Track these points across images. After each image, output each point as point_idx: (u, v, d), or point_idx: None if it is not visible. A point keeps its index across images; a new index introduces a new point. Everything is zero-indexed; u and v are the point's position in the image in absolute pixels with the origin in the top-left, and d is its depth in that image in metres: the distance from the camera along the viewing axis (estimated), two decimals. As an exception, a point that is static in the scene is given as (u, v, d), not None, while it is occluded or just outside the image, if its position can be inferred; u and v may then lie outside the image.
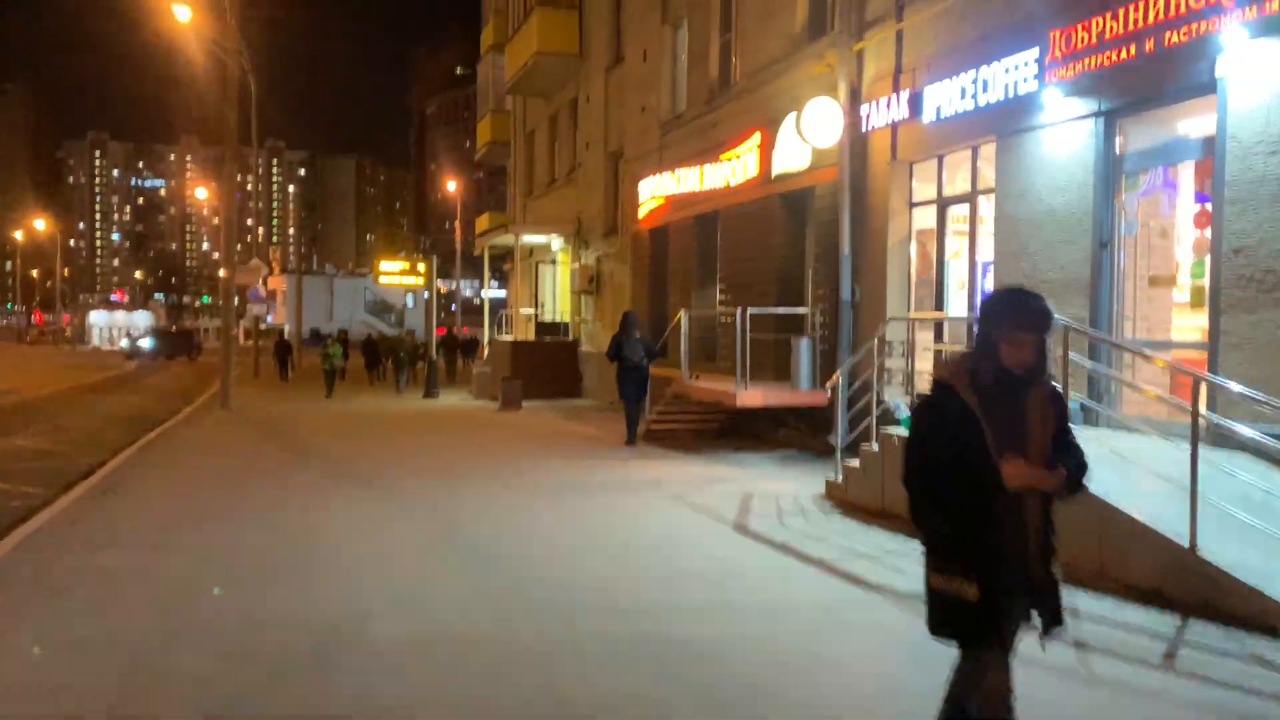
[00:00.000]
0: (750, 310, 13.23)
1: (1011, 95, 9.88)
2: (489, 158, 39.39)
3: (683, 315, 15.10)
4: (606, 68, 23.46)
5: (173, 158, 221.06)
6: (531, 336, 26.70)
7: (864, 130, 12.55)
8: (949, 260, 11.71)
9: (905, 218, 12.26)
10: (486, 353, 30.56)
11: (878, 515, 8.82)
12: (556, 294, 28.62)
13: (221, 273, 23.97)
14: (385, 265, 34.28)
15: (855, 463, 9.49)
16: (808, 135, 12.71)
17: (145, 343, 56.92)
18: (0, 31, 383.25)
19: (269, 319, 63.65)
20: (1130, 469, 7.07)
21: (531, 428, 18.05)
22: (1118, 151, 8.94)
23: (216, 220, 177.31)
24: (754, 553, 7.72)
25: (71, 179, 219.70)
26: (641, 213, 20.21)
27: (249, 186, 71.95)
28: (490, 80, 37.67)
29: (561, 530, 8.62)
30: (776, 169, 14.41)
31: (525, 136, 31.95)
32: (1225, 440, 7.06)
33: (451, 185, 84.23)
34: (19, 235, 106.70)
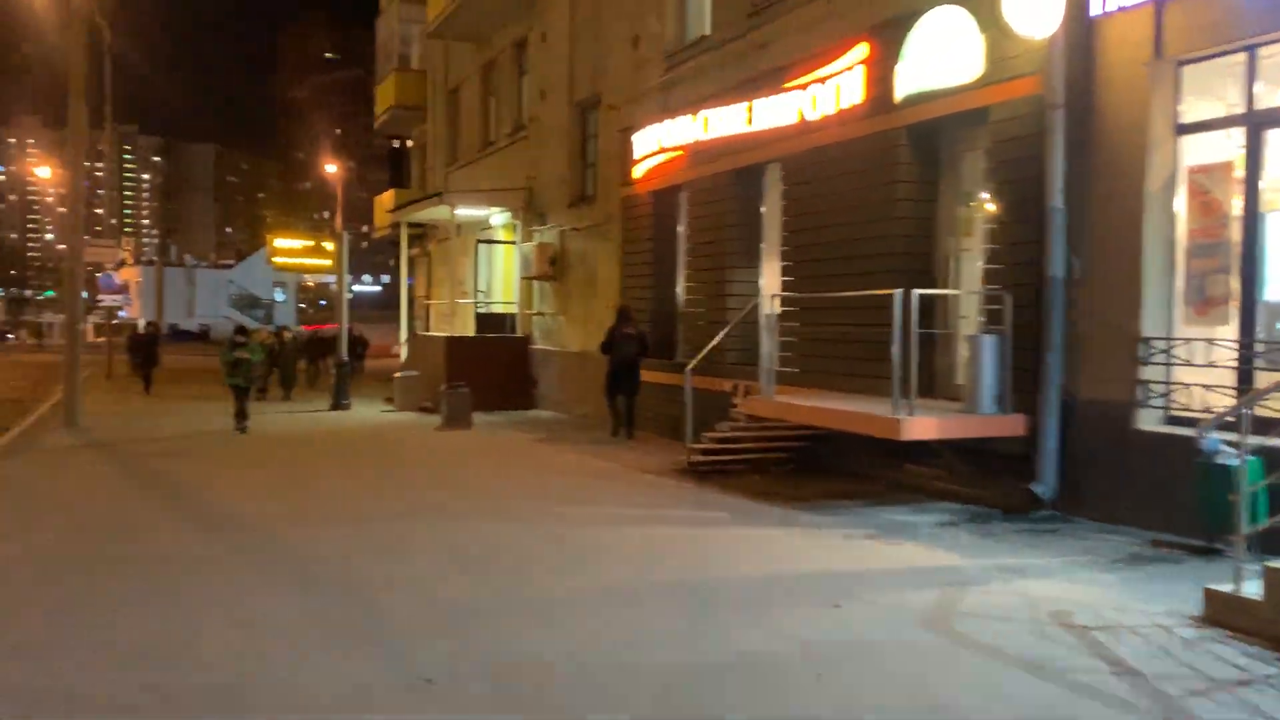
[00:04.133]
0: (839, 295, 8.70)
1: None
2: (390, 126, 33.84)
3: (765, 301, 10.53)
4: (573, -7, 18.66)
5: (13, 141, 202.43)
6: (468, 331, 21.58)
7: (1090, 17, 8.24)
8: (1265, 214, 7.48)
9: (1169, 150, 7.98)
10: (404, 352, 25.30)
11: None
12: (494, 280, 23.57)
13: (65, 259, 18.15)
14: (281, 243, 27.04)
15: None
16: (1017, 24, 8.27)
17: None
18: None
19: (123, 313, 55.96)
20: None
21: (514, 455, 13.20)
22: None
23: (62, 209, 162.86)
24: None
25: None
26: (638, 171, 15.53)
27: (98, 173, 63.77)
28: (393, 36, 32.41)
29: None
30: (906, 90, 9.98)
31: (447, 94, 26.73)
32: None
33: (331, 168, 77.63)
34: None
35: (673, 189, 15.14)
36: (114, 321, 36.67)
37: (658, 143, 14.75)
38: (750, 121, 12.51)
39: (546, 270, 19.25)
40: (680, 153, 14.31)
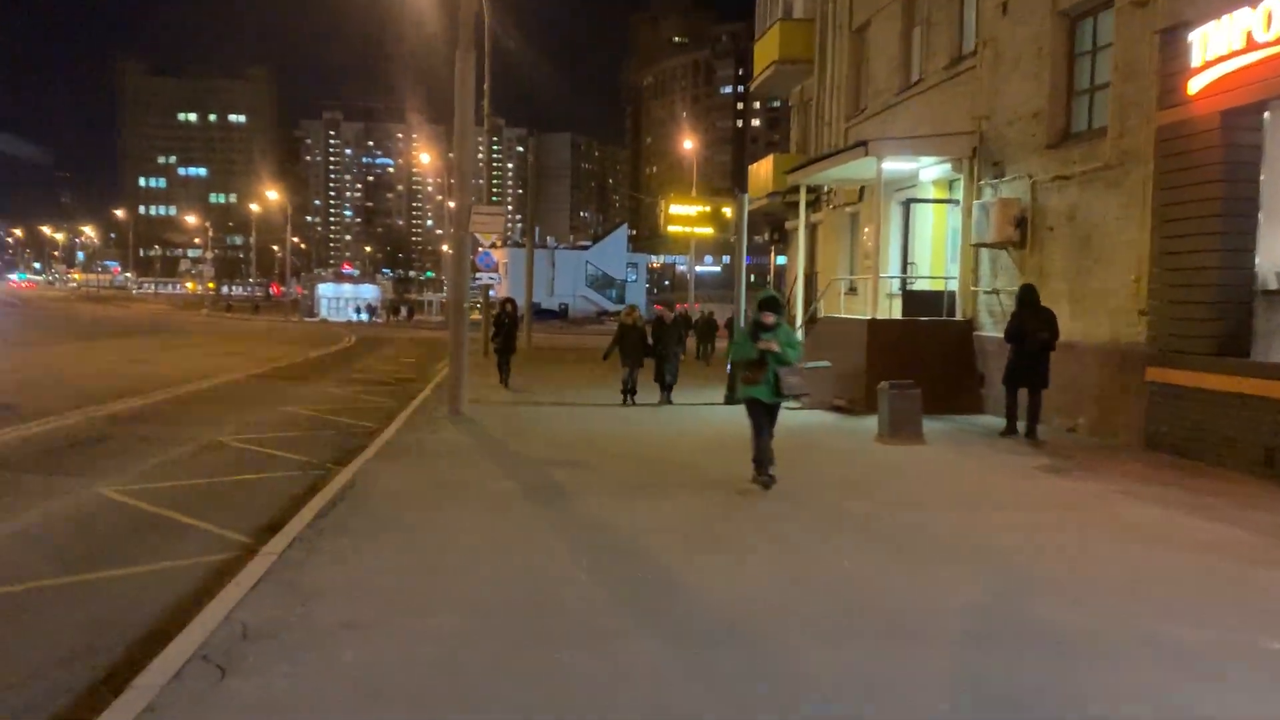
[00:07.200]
0: None
1: None
2: (770, 87, 30.46)
3: None
4: None
5: (400, 136, 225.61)
6: (881, 313, 17.57)
7: None
8: None
9: None
10: (802, 336, 21.86)
11: None
12: (916, 250, 19.45)
13: (449, 233, 16.38)
14: (676, 209, 22.71)
15: None
16: None
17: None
18: (248, 18, 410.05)
19: (493, 293, 57.83)
20: None
21: (1030, 494, 9.07)
22: None
23: (440, 197, 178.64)
24: None
25: (308, 157, 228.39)
26: (1195, 85, 10.80)
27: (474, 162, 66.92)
28: (775, -16, 28.92)
29: None
30: None
31: (850, 36, 22.82)
32: None
33: (688, 144, 76.95)
34: (255, 208, 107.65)
35: (1258, 106, 10.29)
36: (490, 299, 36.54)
37: (1244, 37, 9.98)
38: None
39: (1010, 234, 14.84)
40: (1291, 46, 9.49)
